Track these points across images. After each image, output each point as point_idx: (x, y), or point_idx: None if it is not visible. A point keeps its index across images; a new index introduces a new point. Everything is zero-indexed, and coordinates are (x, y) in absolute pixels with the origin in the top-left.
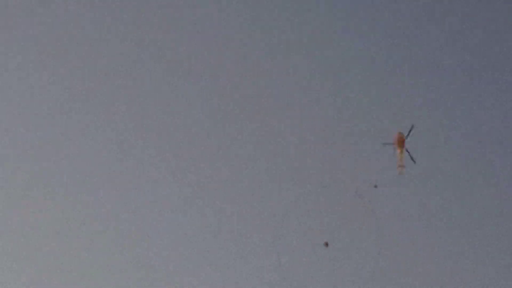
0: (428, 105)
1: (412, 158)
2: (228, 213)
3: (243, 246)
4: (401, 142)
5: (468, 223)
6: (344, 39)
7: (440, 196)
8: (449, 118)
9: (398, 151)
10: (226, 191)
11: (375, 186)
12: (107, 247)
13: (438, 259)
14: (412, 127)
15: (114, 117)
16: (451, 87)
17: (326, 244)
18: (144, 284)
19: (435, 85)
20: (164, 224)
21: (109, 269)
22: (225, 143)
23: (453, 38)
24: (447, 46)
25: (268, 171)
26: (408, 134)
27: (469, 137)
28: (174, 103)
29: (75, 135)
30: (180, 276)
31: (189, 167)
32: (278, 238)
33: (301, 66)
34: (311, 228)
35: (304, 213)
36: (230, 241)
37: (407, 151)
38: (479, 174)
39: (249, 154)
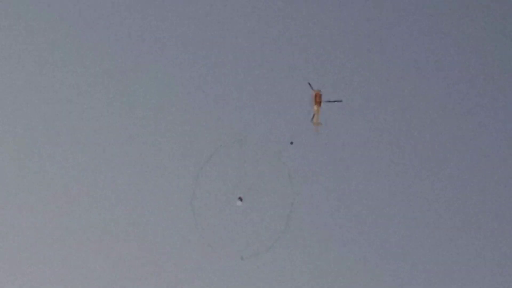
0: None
1: (336, 101)
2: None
3: (162, 196)
4: (318, 99)
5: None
6: None
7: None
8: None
9: (314, 108)
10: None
11: (291, 143)
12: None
13: (354, 215)
14: (339, 101)
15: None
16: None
17: (240, 199)
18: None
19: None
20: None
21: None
22: None
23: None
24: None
25: (187, 122)
26: (331, 101)
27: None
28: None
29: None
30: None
31: None
32: (195, 191)
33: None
34: (227, 182)
35: (220, 167)
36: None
37: (329, 101)
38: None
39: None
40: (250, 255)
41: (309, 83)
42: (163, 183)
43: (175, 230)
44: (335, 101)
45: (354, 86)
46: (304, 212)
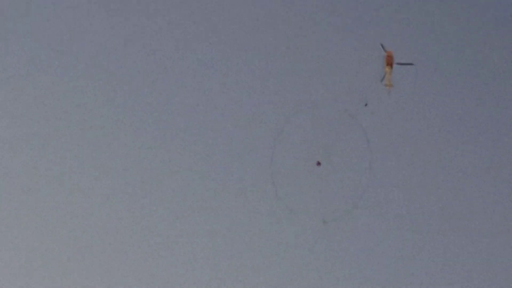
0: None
1: (407, 64)
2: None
3: (240, 166)
4: (390, 60)
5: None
6: None
7: (431, 114)
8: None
9: (386, 69)
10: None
11: (366, 105)
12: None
13: (429, 177)
14: (411, 64)
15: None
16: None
17: (319, 163)
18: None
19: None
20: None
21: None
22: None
23: None
24: None
25: (260, 90)
26: (402, 64)
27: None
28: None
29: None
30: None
31: None
32: (273, 158)
33: None
34: (304, 147)
35: (297, 133)
36: (227, 160)
37: (400, 63)
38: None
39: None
40: (332, 219)
41: (381, 44)
42: (242, 151)
43: (255, 196)
44: (406, 64)
45: (427, 49)
46: (382, 174)
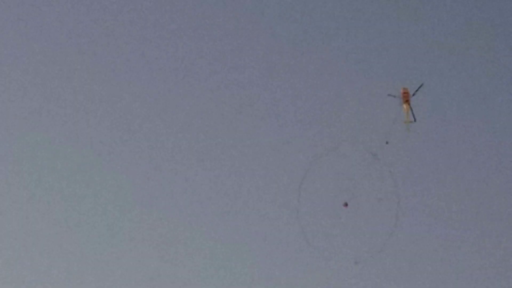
0: (432, 63)
1: (413, 116)
2: (249, 174)
3: (265, 208)
4: (406, 97)
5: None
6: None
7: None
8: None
9: (404, 106)
10: (244, 151)
11: (387, 143)
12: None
13: (456, 213)
14: (421, 85)
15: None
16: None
17: (346, 205)
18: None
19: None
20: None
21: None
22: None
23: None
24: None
25: (283, 136)
26: (416, 92)
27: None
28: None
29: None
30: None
31: None
32: (299, 204)
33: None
34: (330, 190)
35: (321, 176)
36: (252, 202)
37: (411, 108)
38: (490, 131)
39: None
40: (362, 259)
41: (389, 95)
42: (268, 192)
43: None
44: (418, 89)
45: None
46: (410, 210)
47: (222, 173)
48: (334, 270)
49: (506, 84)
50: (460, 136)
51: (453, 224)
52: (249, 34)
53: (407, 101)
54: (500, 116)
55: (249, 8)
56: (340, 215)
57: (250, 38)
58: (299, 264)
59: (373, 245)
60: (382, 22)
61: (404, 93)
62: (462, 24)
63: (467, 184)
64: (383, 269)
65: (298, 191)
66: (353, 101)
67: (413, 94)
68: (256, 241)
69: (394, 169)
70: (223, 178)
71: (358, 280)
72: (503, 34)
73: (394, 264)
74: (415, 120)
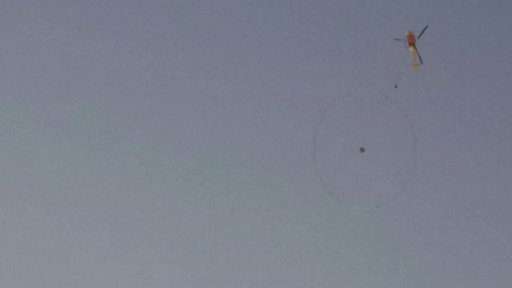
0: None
1: (420, 59)
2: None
3: (282, 154)
4: (411, 40)
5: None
6: None
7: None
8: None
9: (410, 49)
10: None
11: (396, 87)
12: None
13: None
14: (426, 27)
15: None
16: None
17: (362, 150)
18: None
19: None
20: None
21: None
22: None
23: None
24: None
25: (295, 84)
26: (421, 34)
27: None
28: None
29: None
30: None
31: None
32: (316, 146)
33: None
34: (345, 136)
35: (336, 122)
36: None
37: (417, 51)
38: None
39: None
40: (382, 203)
41: (395, 39)
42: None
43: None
44: (423, 31)
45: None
46: (427, 151)
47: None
48: (355, 215)
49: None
50: (469, 76)
51: (467, 163)
52: None
53: (412, 44)
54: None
55: None
56: (357, 160)
57: None
58: (318, 211)
59: (393, 188)
60: None
61: (409, 36)
62: None
63: (479, 124)
64: (404, 211)
65: (314, 138)
66: (361, 48)
67: (419, 37)
68: (274, 187)
69: (407, 112)
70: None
71: (379, 224)
72: None
73: (415, 205)
74: (421, 63)
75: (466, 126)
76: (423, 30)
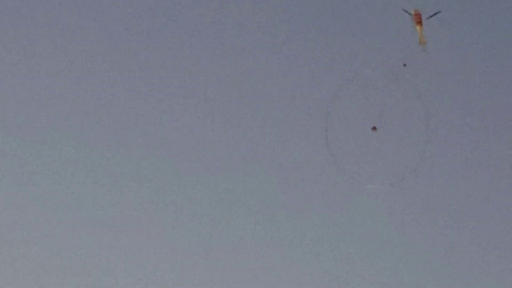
0: None
1: (435, 14)
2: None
3: (293, 129)
4: (418, 18)
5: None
6: None
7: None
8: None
9: (417, 28)
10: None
11: (404, 65)
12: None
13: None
14: (438, 12)
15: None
16: None
17: (374, 128)
18: None
19: None
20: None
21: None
22: None
23: None
24: None
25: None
26: (430, 17)
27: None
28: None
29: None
30: None
31: None
32: (328, 123)
33: None
34: (357, 115)
35: (347, 102)
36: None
37: (429, 17)
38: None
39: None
40: (394, 183)
41: (403, 9)
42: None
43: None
44: (434, 14)
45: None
46: (440, 128)
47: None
48: (369, 194)
49: None
50: (477, 53)
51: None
52: None
53: (419, 23)
54: None
55: None
56: (370, 138)
57: None
58: (330, 190)
59: (407, 166)
60: None
61: (416, 14)
62: None
63: (489, 100)
64: (418, 190)
65: (326, 118)
66: (368, 25)
67: (427, 18)
68: (286, 169)
69: (417, 90)
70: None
71: (393, 202)
72: None
73: (429, 184)
74: (440, 12)
75: (477, 102)
76: (434, 14)
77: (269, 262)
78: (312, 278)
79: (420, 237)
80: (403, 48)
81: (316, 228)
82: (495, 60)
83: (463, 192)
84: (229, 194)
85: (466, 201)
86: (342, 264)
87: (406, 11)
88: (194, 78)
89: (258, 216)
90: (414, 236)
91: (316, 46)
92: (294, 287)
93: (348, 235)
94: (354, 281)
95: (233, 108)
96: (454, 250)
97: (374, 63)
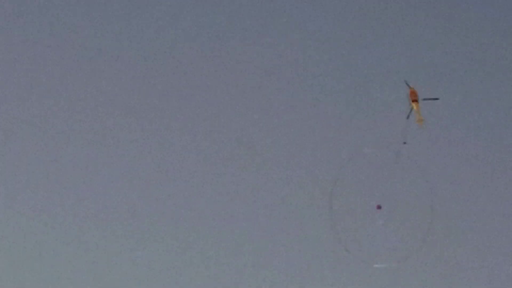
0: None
1: (433, 99)
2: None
3: (296, 210)
4: (413, 96)
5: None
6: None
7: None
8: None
9: (414, 105)
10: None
11: (404, 143)
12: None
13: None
14: (436, 99)
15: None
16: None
17: (379, 207)
18: None
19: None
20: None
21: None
22: None
23: None
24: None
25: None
26: (427, 99)
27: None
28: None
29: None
30: None
31: None
32: (330, 204)
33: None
34: (362, 194)
35: (351, 181)
36: (283, 203)
37: (426, 99)
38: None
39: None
40: (396, 262)
41: (405, 81)
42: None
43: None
44: (432, 99)
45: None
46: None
47: (253, 180)
48: (370, 273)
49: None
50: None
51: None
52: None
53: (415, 101)
54: None
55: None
56: (375, 217)
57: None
58: (338, 270)
59: (410, 246)
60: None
61: (412, 92)
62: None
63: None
64: (420, 271)
65: (330, 198)
66: (365, 105)
67: (424, 99)
68: (288, 245)
69: (418, 168)
70: (253, 185)
71: (394, 282)
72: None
73: (431, 265)
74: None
75: (480, 177)
76: (431, 99)
77: None
78: None
79: None
80: (402, 126)
81: None
82: (495, 135)
83: (469, 268)
84: None
85: (474, 277)
86: None
87: (406, 84)
88: None
89: None
90: None
91: (314, 128)
92: None
93: None
94: None
95: (238, 200)
96: None
97: (372, 142)
